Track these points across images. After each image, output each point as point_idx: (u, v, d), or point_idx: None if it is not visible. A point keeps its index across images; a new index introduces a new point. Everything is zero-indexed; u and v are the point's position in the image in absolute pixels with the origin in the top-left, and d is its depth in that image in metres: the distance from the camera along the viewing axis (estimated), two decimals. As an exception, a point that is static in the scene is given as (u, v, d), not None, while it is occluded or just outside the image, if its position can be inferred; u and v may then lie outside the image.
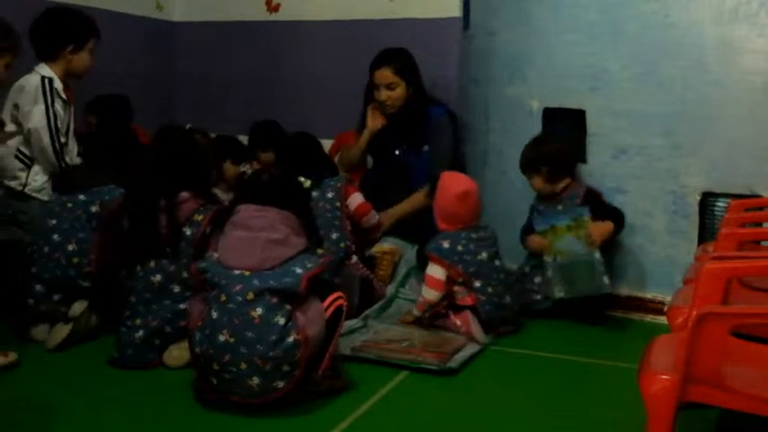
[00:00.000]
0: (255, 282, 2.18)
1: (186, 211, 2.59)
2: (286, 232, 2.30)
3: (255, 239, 2.27)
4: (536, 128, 3.45)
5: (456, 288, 2.89)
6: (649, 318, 3.22)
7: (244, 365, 2.13)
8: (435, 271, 2.86)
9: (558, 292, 3.08)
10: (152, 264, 2.55)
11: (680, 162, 3.15)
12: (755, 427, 1.62)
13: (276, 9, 4.24)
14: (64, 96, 3.00)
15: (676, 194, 3.16)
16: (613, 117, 3.27)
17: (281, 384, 2.16)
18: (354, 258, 3.10)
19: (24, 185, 2.95)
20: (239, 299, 2.17)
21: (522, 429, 2.19)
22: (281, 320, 2.15)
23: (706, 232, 3.11)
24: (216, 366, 2.16)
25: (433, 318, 2.90)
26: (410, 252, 3.29)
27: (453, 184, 2.95)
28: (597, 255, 3.04)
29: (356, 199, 3.19)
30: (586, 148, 3.35)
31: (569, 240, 3.13)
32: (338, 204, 3.08)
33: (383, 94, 3.48)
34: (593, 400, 2.42)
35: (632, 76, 3.22)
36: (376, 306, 3.07)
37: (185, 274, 2.53)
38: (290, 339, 2.15)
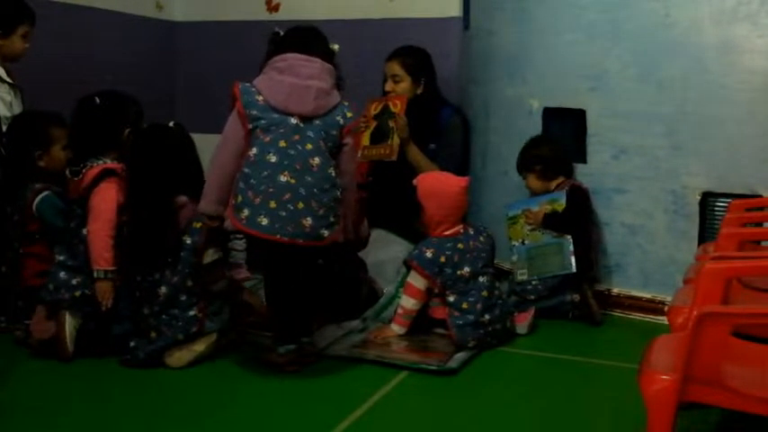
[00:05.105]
0: (310, 134, 2.43)
1: (184, 218, 2.54)
2: (331, 83, 2.52)
3: (309, 88, 2.45)
4: (536, 128, 3.44)
5: (433, 299, 2.81)
6: (649, 318, 3.21)
7: (301, 205, 2.36)
8: (416, 280, 2.78)
9: (521, 276, 3.21)
10: (156, 276, 2.52)
11: (680, 162, 3.14)
12: (755, 427, 1.63)
13: (276, 9, 4.25)
14: (9, 80, 2.95)
15: (676, 194, 3.15)
16: (613, 117, 3.27)
17: (326, 233, 2.40)
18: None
19: None
20: (300, 147, 2.40)
21: (521, 429, 2.19)
22: (333, 173, 2.46)
23: (706, 232, 3.10)
24: (273, 204, 2.34)
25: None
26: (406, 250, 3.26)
27: (449, 179, 2.89)
28: (568, 237, 3.16)
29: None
30: (586, 148, 3.35)
31: None
32: None
33: (388, 86, 3.54)
34: (593, 400, 2.42)
35: (632, 76, 3.21)
36: (376, 306, 3.07)
37: (189, 283, 2.52)
38: (337, 192, 2.46)
